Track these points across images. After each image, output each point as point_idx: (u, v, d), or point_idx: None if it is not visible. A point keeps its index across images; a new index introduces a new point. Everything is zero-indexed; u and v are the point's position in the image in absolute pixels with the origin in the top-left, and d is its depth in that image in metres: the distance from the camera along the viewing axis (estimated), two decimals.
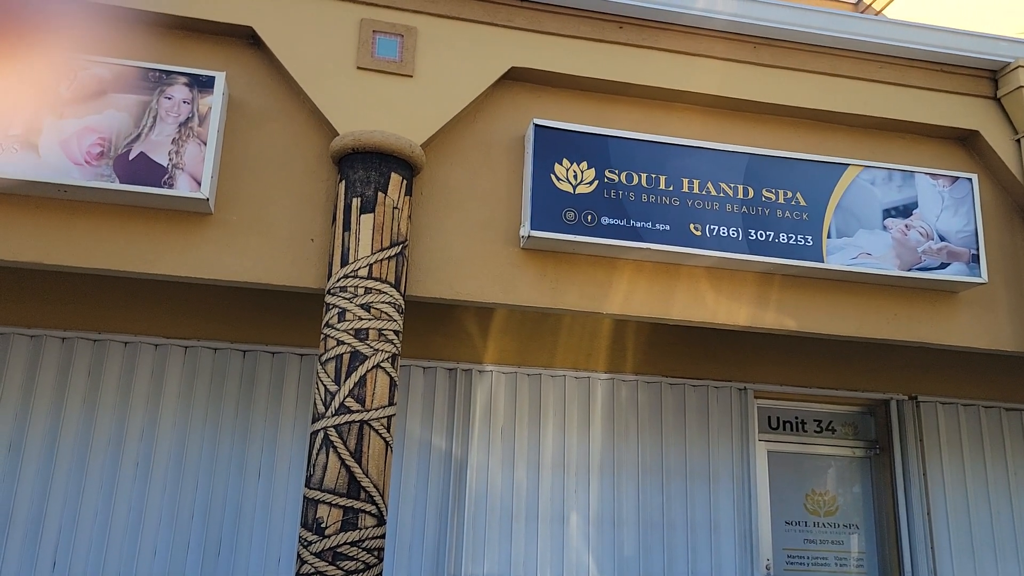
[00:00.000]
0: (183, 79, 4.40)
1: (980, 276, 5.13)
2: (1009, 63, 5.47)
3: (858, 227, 5.07)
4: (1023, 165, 5.42)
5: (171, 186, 4.25)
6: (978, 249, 5.18)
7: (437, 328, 5.97)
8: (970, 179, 5.31)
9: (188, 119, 4.35)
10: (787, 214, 5.00)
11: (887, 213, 5.14)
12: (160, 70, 4.39)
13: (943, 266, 5.10)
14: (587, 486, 5.92)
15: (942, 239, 5.16)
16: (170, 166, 4.27)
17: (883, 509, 6.43)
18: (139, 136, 4.29)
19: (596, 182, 4.80)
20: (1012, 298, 5.35)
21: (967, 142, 5.60)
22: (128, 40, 4.48)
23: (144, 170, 4.25)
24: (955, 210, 5.23)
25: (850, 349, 6.46)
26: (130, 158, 4.25)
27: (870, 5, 8.13)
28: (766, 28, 5.20)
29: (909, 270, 5.05)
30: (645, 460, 6.05)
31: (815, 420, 6.63)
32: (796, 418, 6.61)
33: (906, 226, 5.13)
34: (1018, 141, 5.48)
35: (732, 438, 6.23)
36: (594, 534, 5.85)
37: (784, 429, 6.56)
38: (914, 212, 5.17)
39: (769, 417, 6.55)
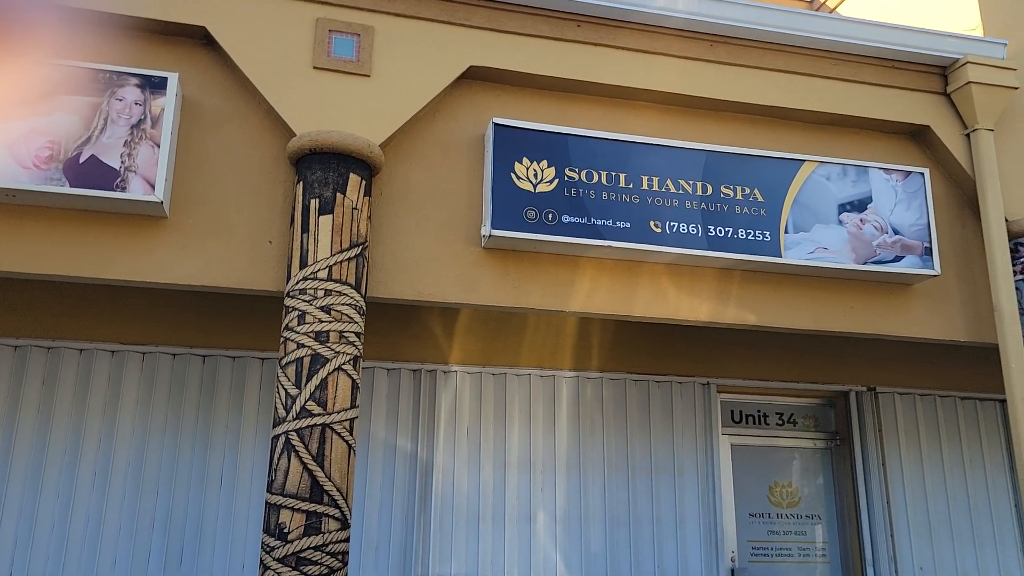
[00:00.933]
0: (134, 80, 4.31)
1: (933, 268, 5.23)
2: (958, 59, 5.59)
3: (815, 222, 5.14)
4: (972, 159, 5.54)
5: (124, 189, 4.16)
6: (931, 242, 5.29)
7: (401, 329, 5.94)
8: (922, 173, 5.42)
9: (140, 121, 4.27)
10: (745, 210, 5.05)
11: (842, 208, 5.22)
12: (111, 71, 4.30)
13: (897, 259, 5.20)
14: (553, 484, 5.94)
15: (896, 232, 5.25)
16: (122, 169, 4.19)
17: (844, 499, 6.54)
18: (90, 139, 4.20)
19: (556, 180, 4.81)
20: (964, 289, 5.48)
21: (919, 137, 5.72)
22: (78, 41, 4.37)
23: (95, 173, 4.15)
24: (908, 204, 5.33)
25: (810, 343, 6.55)
26: (80, 161, 4.16)
27: (824, 3, 8.26)
28: (722, 26, 5.26)
29: (864, 263, 5.13)
30: (610, 457, 6.08)
31: (777, 413, 6.72)
32: (758, 411, 6.69)
33: (861, 220, 5.22)
34: (967, 136, 5.60)
35: (696, 433, 6.29)
36: (561, 532, 5.86)
37: (747, 423, 6.64)
38: (869, 206, 5.26)
39: (732, 411, 6.63)
